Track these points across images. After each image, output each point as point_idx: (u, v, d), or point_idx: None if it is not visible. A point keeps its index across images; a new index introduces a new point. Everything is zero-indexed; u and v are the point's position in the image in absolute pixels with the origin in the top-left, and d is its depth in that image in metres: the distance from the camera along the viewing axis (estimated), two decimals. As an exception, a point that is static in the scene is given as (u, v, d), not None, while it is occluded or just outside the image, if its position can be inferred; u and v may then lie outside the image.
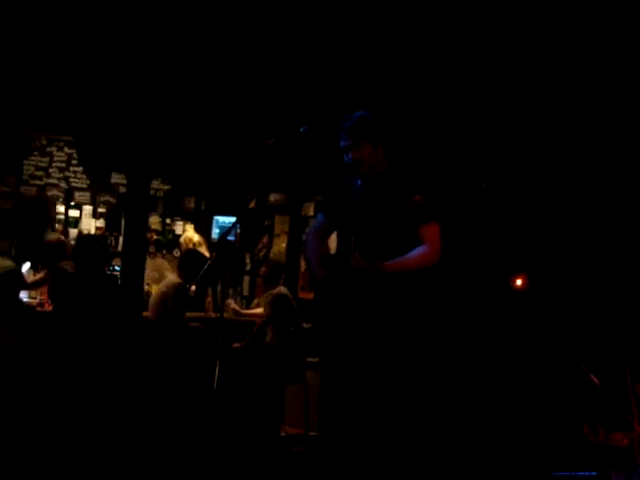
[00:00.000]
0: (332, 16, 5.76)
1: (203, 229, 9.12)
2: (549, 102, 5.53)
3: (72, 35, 6.20)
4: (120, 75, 6.61)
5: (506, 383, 5.42)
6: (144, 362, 5.98)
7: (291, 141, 4.27)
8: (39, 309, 6.88)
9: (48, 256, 6.51)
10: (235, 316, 7.57)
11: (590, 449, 4.45)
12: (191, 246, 8.38)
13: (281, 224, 8.73)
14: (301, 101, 6.59)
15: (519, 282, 5.64)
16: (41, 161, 8.74)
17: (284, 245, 8.59)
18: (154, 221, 9.04)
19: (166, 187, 9.23)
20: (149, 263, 8.43)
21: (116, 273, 7.72)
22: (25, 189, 8.64)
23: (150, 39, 6.22)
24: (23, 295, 6.71)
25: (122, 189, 8.82)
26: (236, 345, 6.76)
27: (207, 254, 7.87)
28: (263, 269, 7.31)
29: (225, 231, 8.38)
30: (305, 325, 6.91)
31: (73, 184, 8.86)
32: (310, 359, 6.45)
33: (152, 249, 8.93)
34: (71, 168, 8.85)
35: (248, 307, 8.25)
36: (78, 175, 8.89)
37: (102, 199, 8.92)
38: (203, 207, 9.35)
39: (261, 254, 8.93)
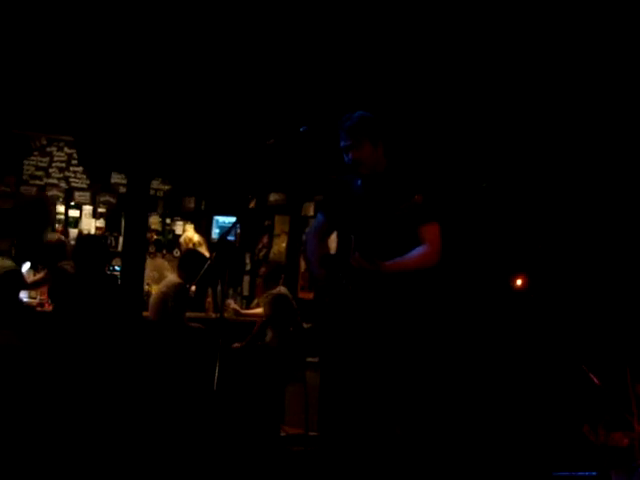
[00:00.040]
0: (332, 16, 5.75)
1: (203, 229, 9.12)
2: (549, 102, 5.53)
3: (72, 35, 6.20)
4: (120, 75, 6.61)
5: (506, 383, 5.42)
6: (144, 362, 5.98)
7: (291, 141, 4.27)
8: (39, 309, 6.88)
9: (48, 256, 6.51)
10: (235, 316, 7.58)
11: (590, 449, 4.45)
12: (191, 246, 8.38)
13: (281, 224, 8.73)
14: (301, 101, 6.59)
15: (519, 282, 5.63)
16: (41, 161, 8.74)
17: (284, 245, 8.59)
18: (154, 221, 9.04)
19: (166, 187, 9.24)
20: (149, 263, 8.43)
21: (116, 273, 7.71)
22: (25, 189, 8.64)
23: (150, 39, 6.22)
24: (23, 295, 6.71)
25: (122, 189, 8.82)
26: (236, 345, 6.76)
27: (207, 254, 7.87)
28: (263, 269, 7.31)
29: (225, 231, 8.38)
30: (305, 325, 6.91)
31: (73, 184, 8.86)
32: (310, 359, 6.46)
33: (152, 249, 8.94)
34: (71, 168, 8.85)
35: (248, 307, 8.25)
36: (78, 175, 8.89)
37: (102, 199, 8.92)
38: (203, 207, 9.36)
39: (261, 254, 8.93)
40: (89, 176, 8.90)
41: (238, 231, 8.83)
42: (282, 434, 6.44)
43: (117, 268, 7.95)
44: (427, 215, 3.98)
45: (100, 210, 8.88)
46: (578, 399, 4.91)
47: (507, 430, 5.25)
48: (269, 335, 6.79)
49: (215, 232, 9.03)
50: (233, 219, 8.57)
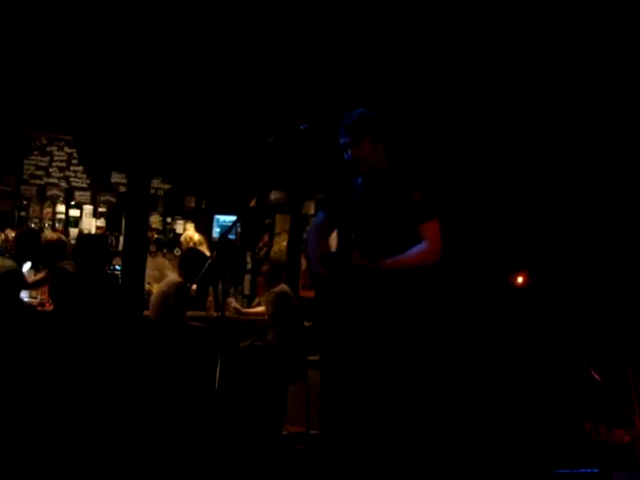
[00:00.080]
0: (332, 15, 5.75)
1: (204, 228, 9.11)
2: (549, 99, 5.52)
3: (72, 35, 6.20)
4: (120, 75, 6.61)
5: (507, 380, 5.42)
6: (145, 361, 5.98)
7: (291, 139, 4.27)
8: (40, 309, 6.88)
9: (48, 256, 6.50)
10: (236, 315, 7.57)
11: (592, 446, 4.45)
12: (192, 245, 8.36)
13: (282, 222, 8.72)
14: (301, 99, 6.58)
15: (520, 279, 5.63)
16: (41, 161, 8.74)
17: (285, 243, 8.58)
18: (155, 220, 9.04)
19: (166, 186, 9.23)
20: (150, 262, 8.43)
21: (117, 272, 7.72)
22: (25, 189, 8.64)
23: (150, 39, 6.22)
24: (24, 295, 6.71)
25: (122, 188, 8.81)
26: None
27: (208, 253, 7.86)
28: (264, 268, 7.29)
29: (226, 230, 8.33)
30: (306, 323, 6.90)
31: (73, 183, 8.86)
32: (311, 357, 6.45)
33: (153, 248, 8.93)
34: (71, 167, 8.85)
35: (249, 306, 8.25)
36: (78, 174, 8.88)
37: (102, 198, 8.92)
38: (204, 206, 9.35)
39: (262, 253, 8.93)
40: (89, 175, 8.90)
41: (239, 230, 8.83)
42: (284, 432, 6.44)
43: (118, 267, 7.96)
44: (427, 212, 3.98)
45: (100, 209, 8.88)
46: (579, 396, 4.91)
47: (508, 427, 5.25)
48: (270, 334, 6.78)
49: (216, 231, 9.03)
50: (234, 218, 8.55)
